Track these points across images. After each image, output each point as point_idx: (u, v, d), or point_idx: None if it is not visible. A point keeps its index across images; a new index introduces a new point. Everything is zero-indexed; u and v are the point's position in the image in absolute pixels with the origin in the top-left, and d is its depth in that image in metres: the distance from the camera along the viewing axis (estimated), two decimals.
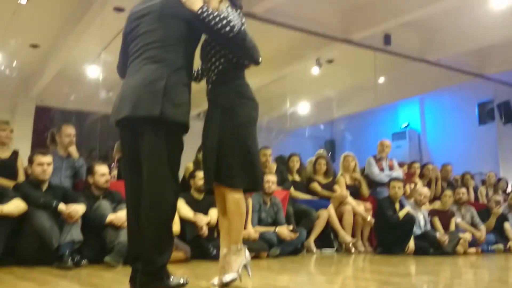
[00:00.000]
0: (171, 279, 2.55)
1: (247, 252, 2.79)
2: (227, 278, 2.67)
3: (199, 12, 2.57)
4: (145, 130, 2.54)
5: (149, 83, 2.52)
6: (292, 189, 6.58)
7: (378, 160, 7.28)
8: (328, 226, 6.42)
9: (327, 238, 6.54)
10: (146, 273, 2.48)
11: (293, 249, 5.68)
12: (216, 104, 2.78)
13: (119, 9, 6.72)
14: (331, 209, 6.36)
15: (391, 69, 9.74)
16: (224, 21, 2.55)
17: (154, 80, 2.53)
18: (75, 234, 3.93)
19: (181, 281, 2.59)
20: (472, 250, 6.47)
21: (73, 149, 5.19)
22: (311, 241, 6.18)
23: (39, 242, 3.84)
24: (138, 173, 2.60)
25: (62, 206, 3.98)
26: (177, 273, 2.68)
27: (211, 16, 2.55)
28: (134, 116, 2.52)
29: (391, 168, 7.29)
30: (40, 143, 7.51)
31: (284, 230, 5.52)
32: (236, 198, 2.71)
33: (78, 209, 4.01)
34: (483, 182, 8.87)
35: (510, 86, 10.43)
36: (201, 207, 5.06)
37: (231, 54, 2.80)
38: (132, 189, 2.66)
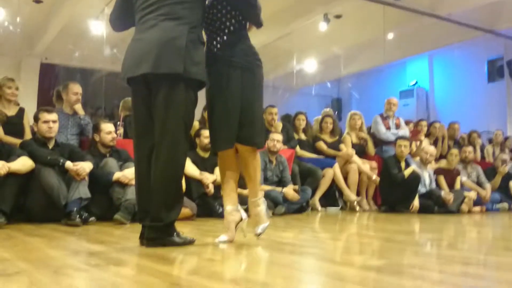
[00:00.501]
0: (179, 237, 2.60)
1: (244, 213, 2.87)
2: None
3: None
4: (163, 85, 2.54)
5: (170, 40, 2.51)
6: (297, 147, 6.57)
7: (385, 118, 7.23)
8: (334, 184, 6.46)
9: (332, 197, 6.59)
10: (153, 229, 2.53)
11: (298, 207, 5.72)
12: (232, 64, 2.75)
13: None
14: (336, 168, 6.37)
15: (400, 24, 9.55)
16: None
17: (175, 37, 2.52)
18: (83, 191, 3.97)
19: (188, 239, 2.63)
20: (477, 208, 6.51)
21: (78, 107, 5.18)
22: (316, 199, 6.23)
23: (47, 199, 3.90)
24: (149, 130, 2.62)
25: (69, 164, 4.01)
26: (184, 231, 2.72)
27: None
28: (155, 73, 2.50)
29: (397, 126, 7.25)
30: (45, 101, 7.50)
31: (290, 191, 5.54)
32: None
33: (85, 166, 4.04)
34: (490, 141, 8.83)
35: None
36: (207, 165, 5.09)
37: (240, 15, 2.79)
38: (143, 147, 2.66)
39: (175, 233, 2.61)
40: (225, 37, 2.79)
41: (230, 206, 2.83)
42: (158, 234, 2.54)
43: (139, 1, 2.67)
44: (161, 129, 2.56)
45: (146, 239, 2.56)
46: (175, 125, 2.56)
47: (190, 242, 2.64)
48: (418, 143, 7.04)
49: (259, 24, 2.89)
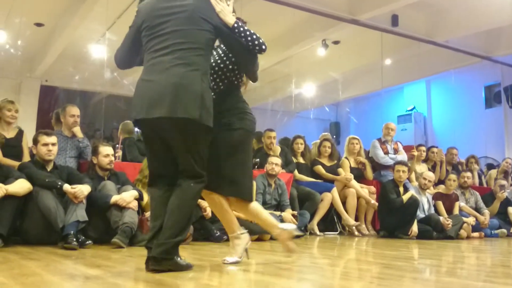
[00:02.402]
0: (181, 260, 2.63)
1: (247, 237, 3.02)
2: (229, 260, 2.91)
3: (235, 26, 2.74)
4: (177, 129, 2.59)
5: (187, 86, 2.56)
6: (296, 171, 6.58)
7: (383, 143, 7.26)
8: (332, 209, 6.44)
9: (331, 221, 6.57)
10: (163, 247, 2.55)
11: None
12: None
13: None
14: (335, 192, 6.37)
15: (398, 50, 9.67)
16: (255, 38, 2.76)
17: (191, 83, 2.57)
18: (80, 214, 3.94)
19: (189, 264, 2.66)
20: (476, 234, 6.48)
21: (77, 130, 5.20)
22: (315, 224, 6.21)
23: (44, 222, 3.88)
24: (167, 163, 2.72)
25: (67, 187, 3.99)
26: (183, 255, 2.70)
27: (247, 32, 2.75)
28: (171, 117, 2.53)
29: (396, 151, 7.27)
30: (45, 123, 7.52)
31: (288, 216, 5.52)
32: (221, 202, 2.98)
33: (83, 189, 4.03)
34: (490, 166, 8.82)
35: None
36: None
37: (235, 76, 2.96)
38: (160, 178, 2.74)
39: (178, 255, 2.62)
40: (222, 87, 2.95)
41: (236, 231, 2.97)
42: (166, 253, 2.55)
43: (150, 43, 2.69)
44: (183, 165, 2.66)
45: (153, 258, 2.55)
46: (195, 165, 2.64)
47: (189, 267, 2.64)
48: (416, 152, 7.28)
49: (256, 79, 3.04)
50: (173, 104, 2.52)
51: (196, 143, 2.64)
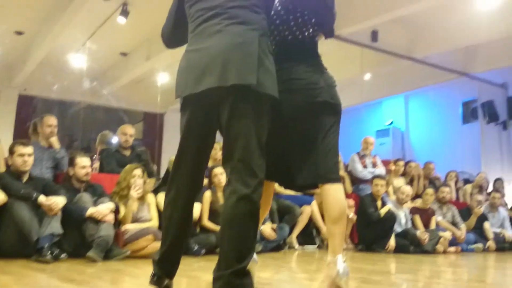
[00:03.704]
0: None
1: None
2: None
3: None
4: (231, 101, 2.07)
5: (240, 46, 2.09)
6: (276, 184, 6.55)
7: (361, 157, 7.32)
8: (311, 222, 6.44)
9: (310, 235, 6.56)
10: (235, 276, 1.95)
11: (275, 246, 5.67)
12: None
13: None
14: (314, 205, 6.38)
15: (377, 65, 9.77)
16: None
17: (245, 43, 2.10)
18: (55, 227, 3.88)
19: None
20: (452, 249, 6.54)
21: (54, 140, 5.13)
22: (294, 237, 6.19)
23: (18, 234, 3.81)
24: (201, 159, 2.24)
25: (42, 198, 3.93)
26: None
27: None
28: (223, 86, 2.03)
29: (374, 165, 7.33)
30: (22, 132, 7.42)
31: (268, 229, 5.50)
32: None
33: (59, 201, 3.97)
34: (466, 181, 8.94)
35: (494, 86, 10.54)
36: None
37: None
38: (184, 184, 2.22)
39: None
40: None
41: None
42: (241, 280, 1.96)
43: (194, 7, 2.25)
44: (238, 156, 2.06)
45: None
46: (250, 148, 2.05)
47: None
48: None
49: (331, 33, 2.54)
50: (223, 70, 2.04)
51: (257, 121, 2.07)
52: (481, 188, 8.50)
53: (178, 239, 2.23)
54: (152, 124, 11.74)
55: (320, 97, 2.34)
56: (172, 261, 2.25)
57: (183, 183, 2.22)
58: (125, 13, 7.07)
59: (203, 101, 2.12)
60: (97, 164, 5.34)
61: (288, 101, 2.31)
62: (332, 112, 2.38)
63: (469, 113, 11.18)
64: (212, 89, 2.04)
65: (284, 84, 2.28)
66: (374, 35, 8.30)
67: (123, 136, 5.58)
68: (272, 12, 2.43)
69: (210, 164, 5.96)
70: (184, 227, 2.24)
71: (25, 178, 4.19)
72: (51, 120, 5.09)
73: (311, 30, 2.43)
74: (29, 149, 4.20)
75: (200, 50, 2.15)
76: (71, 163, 4.52)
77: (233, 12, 2.15)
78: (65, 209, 4.04)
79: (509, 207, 8.38)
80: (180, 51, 2.32)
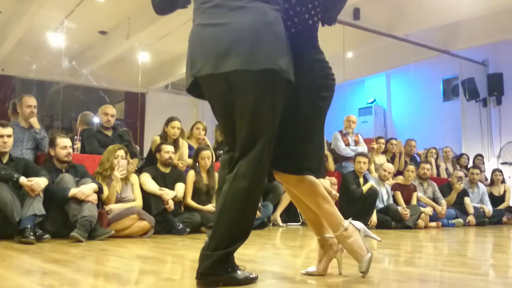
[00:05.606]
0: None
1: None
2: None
3: None
4: (258, 88, 1.91)
5: (267, 25, 1.91)
6: None
7: (344, 135, 7.35)
8: None
9: (293, 212, 6.61)
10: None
11: (260, 223, 5.72)
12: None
13: None
14: None
15: (359, 44, 9.77)
16: None
17: (272, 23, 1.92)
18: (37, 208, 3.84)
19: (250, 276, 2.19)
20: (433, 224, 6.66)
21: (34, 121, 5.05)
22: (277, 215, 6.25)
23: (0, 215, 3.75)
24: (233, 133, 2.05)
25: (23, 179, 3.88)
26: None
27: None
28: (251, 70, 1.87)
29: (357, 143, 7.37)
30: (1, 113, 7.28)
31: None
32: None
33: (40, 182, 3.92)
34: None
35: (474, 63, 10.63)
36: (167, 181, 5.04)
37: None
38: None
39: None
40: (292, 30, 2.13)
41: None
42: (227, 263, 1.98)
43: None
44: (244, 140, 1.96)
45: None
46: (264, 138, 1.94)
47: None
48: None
49: (333, 20, 2.45)
50: (252, 52, 1.86)
51: (275, 107, 1.95)
52: (453, 163, 8.69)
53: None
54: (133, 104, 11.60)
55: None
56: None
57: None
58: None
59: (223, 84, 1.95)
60: (78, 145, 5.28)
61: None
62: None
63: (449, 91, 11.29)
64: (237, 72, 1.88)
65: None
66: (356, 13, 8.29)
67: (104, 116, 5.52)
68: None
69: (194, 144, 5.97)
70: None
71: (5, 159, 4.13)
72: (30, 101, 5.00)
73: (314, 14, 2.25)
74: (8, 130, 4.14)
75: (219, 25, 1.93)
76: (52, 143, 4.46)
77: None
78: (47, 190, 4.00)
79: (488, 182, 8.54)
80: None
